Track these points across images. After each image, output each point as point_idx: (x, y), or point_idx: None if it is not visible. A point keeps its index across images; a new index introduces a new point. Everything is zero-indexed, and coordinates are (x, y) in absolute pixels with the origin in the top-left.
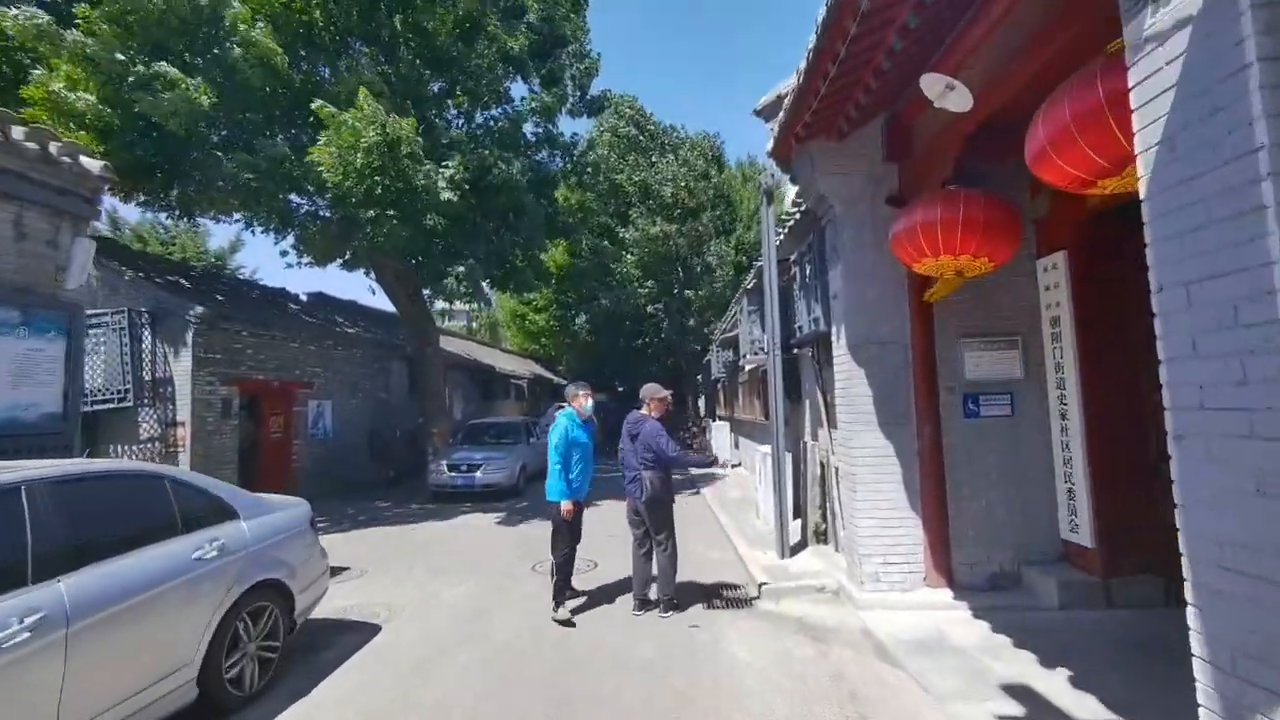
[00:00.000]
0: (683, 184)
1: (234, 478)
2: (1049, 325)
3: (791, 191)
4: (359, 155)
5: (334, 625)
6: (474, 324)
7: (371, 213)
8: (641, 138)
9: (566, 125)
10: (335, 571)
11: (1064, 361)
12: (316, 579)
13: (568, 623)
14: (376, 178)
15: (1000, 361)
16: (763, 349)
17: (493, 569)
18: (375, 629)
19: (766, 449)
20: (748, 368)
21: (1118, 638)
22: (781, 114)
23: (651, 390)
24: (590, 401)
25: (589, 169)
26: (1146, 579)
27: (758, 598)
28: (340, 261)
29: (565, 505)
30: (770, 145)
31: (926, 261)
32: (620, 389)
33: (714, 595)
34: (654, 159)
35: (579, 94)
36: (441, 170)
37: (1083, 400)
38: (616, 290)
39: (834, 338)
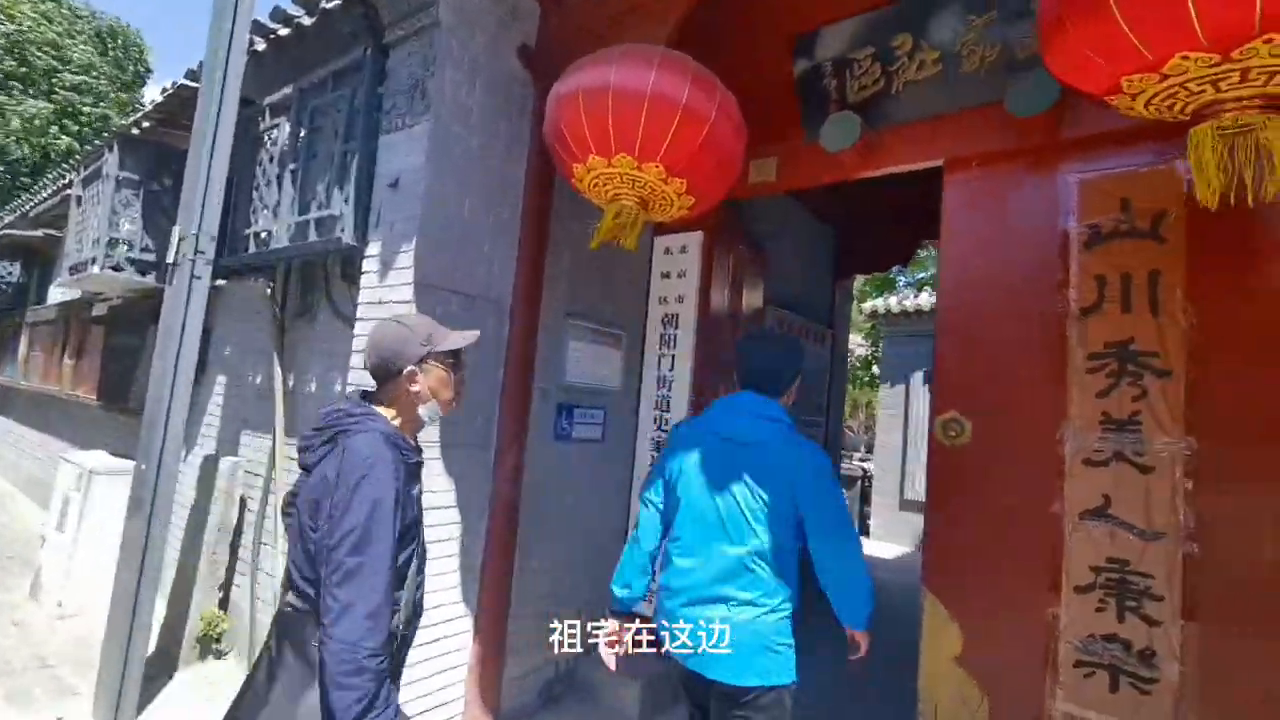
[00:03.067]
0: None
1: None
2: (660, 324)
3: None
4: None
5: None
6: None
7: None
8: None
9: None
10: None
11: (675, 375)
12: None
13: None
14: None
15: (601, 361)
16: (140, 260)
17: None
18: None
19: (88, 460)
20: (62, 297)
21: None
22: None
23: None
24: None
25: None
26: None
27: None
28: None
29: None
30: None
31: (620, 161)
32: None
33: None
34: None
35: None
36: None
37: None
38: None
39: (372, 264)
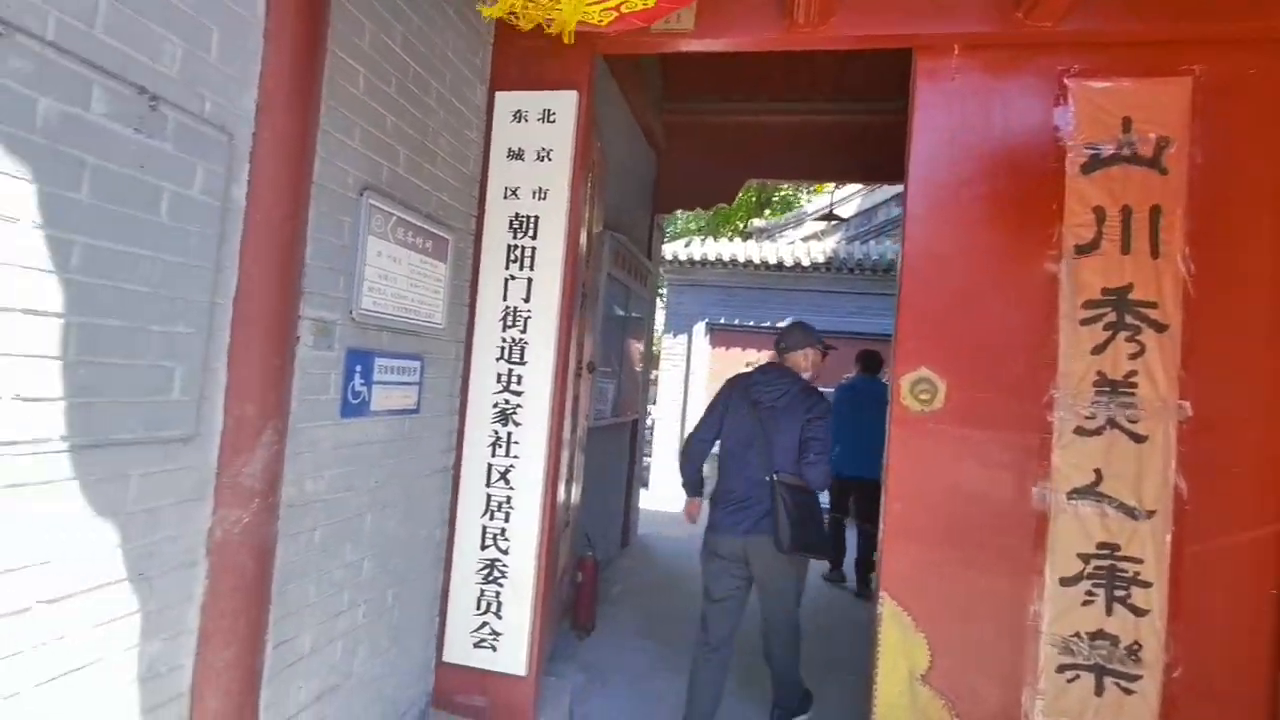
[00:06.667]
0: None
1: None
2: (508, 231)
3: None
4: None
5: None
6: None
7: None
8: None
9: None
10: None
11: (533, 310)
12: None
13: None
14: None
15: (419, 279)
16: None
17: None
18: None
19: None
20: None
21: None
22: None
23: None
24: None
25: None
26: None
27: None
28: None
29: None
30: None
31: None
32: None
33: None
34: None
35: None
36: None
37: (557, 390)
38: None
39: None
